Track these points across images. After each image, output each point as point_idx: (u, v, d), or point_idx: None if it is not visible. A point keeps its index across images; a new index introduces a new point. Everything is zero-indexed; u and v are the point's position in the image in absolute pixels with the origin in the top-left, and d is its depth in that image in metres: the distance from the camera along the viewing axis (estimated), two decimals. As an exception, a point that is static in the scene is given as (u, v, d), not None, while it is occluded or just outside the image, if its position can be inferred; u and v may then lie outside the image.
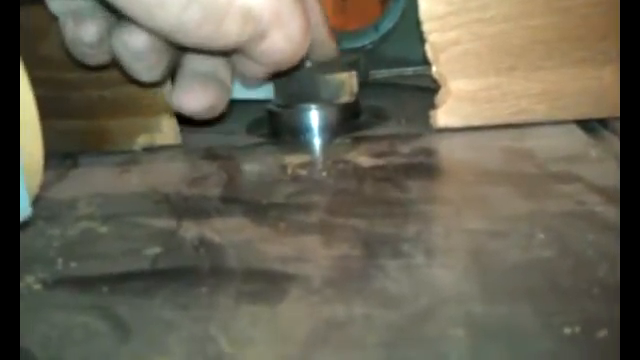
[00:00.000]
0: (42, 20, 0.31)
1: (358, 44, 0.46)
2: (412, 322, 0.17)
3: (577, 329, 0.16)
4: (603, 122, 0.31)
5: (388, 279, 0.19)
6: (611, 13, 0.29)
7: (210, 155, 0.33)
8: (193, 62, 0.31)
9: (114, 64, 0.31)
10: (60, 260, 0.23)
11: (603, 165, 0.27)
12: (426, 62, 0.32)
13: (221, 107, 0.32)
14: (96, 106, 0.35)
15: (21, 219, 0.21)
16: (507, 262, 0.20)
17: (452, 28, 0.31)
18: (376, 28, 0.46)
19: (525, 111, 0.31)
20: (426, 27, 0.31)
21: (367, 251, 0.21)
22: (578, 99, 0.31)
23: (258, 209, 0.26)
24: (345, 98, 0.35)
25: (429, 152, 0.31)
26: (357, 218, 0.24)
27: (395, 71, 0.46)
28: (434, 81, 0.32)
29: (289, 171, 0.30)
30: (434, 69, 0.32)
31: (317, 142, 0.34)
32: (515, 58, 0.31)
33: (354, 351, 0.17)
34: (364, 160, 0.30)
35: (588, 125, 0.31)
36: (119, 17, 0.28)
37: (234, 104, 0.34)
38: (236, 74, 0.32)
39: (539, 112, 0.31)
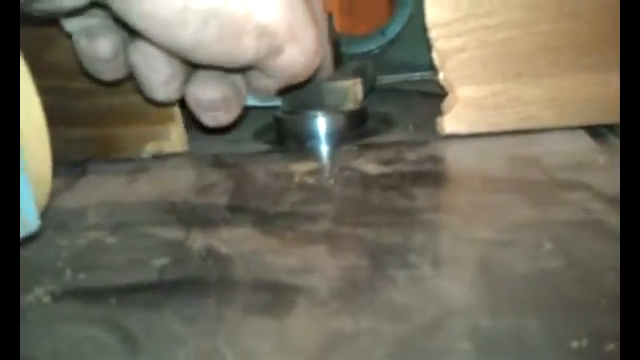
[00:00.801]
0: (50, 28, 0.31)
1: (365, 49, 0.47)
2: (419, 335, 0.17)
3: (584, 342, 0.16)
4: (611, 128, 0.31)
5: (395, 291, 0.19)
6: (618, 19, 0.29)
7: (217, 162, 0.33)
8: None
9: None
10: (69, 271, 0.23)
11: (610, 172, 0.26)
12: (433, 67, 0.32)
13: (235, 107, 0.31)
14: (104, 114, 0.35)
15: (29, 232, 0.21)
16: (514, 273, 0.20)
17: (459, 35, 0.31)
18: (383, 33, 0.46)
19: (532, 117, 0.31)
20: (433, 34, 0.31)
21: (374, 262, 0.21)
22: (586, 105, 0.31)
23: (265, 218, 0.26)
24: (349, 105, 0.35)
25: (436, 159, 0.31)
26: (364, 227, 0.24)
27: (402, 76, 0.46)
28: (441, 87, 0.32)
29: (296, 179, 0.30)
30: (441, 76, 0.32)
31: (324, 149, 0.34)
32: (522, 64, 0.31)
33: (361, 365, 0.17)
34: (371, 167, 0.30)
35: (596, 131, 0.31)
36: (132, 32, 0.28)
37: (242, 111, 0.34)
38: (249, 89, 0.32)
39: (546, 118, 0.31)
